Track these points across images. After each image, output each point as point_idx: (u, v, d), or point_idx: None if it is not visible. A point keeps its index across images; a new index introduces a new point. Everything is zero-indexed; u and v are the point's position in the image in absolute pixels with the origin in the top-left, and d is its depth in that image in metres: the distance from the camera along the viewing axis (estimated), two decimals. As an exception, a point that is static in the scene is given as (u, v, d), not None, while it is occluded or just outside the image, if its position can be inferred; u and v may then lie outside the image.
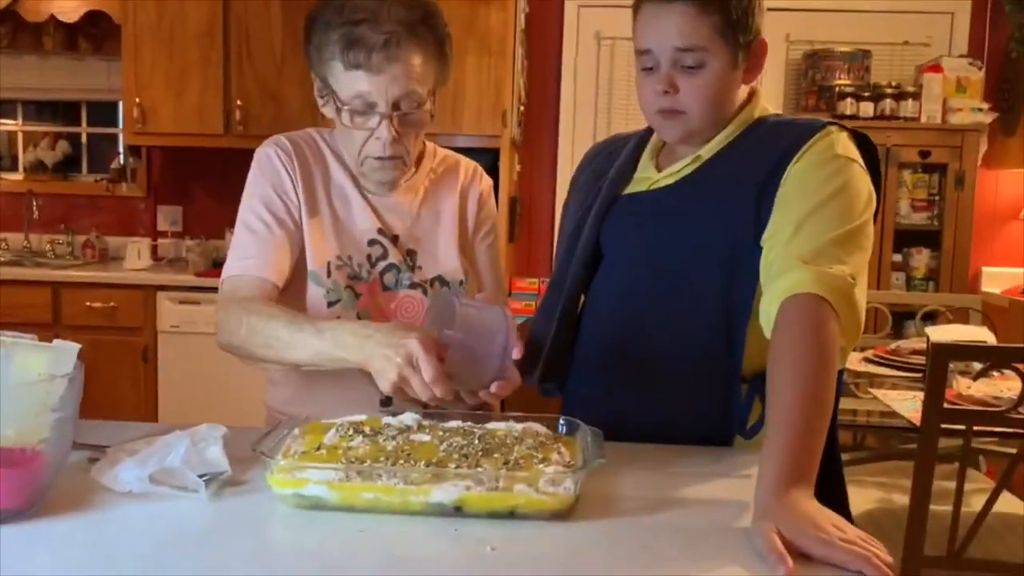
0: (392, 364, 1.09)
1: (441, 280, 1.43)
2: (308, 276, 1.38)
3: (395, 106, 1.30)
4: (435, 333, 1.15)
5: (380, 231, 1.42)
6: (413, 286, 1.41)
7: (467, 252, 1.49)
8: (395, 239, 1.43)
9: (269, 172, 1.40)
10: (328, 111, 1.37)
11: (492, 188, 1.58)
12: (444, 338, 1.13)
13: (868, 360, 2.51)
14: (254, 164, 1.42)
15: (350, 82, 1.29)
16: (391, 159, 1.35)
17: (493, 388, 1.14)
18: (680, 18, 1.21)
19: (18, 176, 4.40)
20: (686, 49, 1.22)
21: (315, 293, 1.38)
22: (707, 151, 1.30)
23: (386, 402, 1.33)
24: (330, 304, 1.37)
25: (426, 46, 1.30)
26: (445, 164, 1.52)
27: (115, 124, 4.37)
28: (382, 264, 1.41)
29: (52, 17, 4.02)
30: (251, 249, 1.36)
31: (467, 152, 1.57)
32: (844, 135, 1.25)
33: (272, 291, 1.34)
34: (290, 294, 1.39)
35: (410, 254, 1.43)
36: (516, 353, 1.14)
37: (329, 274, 1.38)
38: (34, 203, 4.14)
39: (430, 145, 1.53)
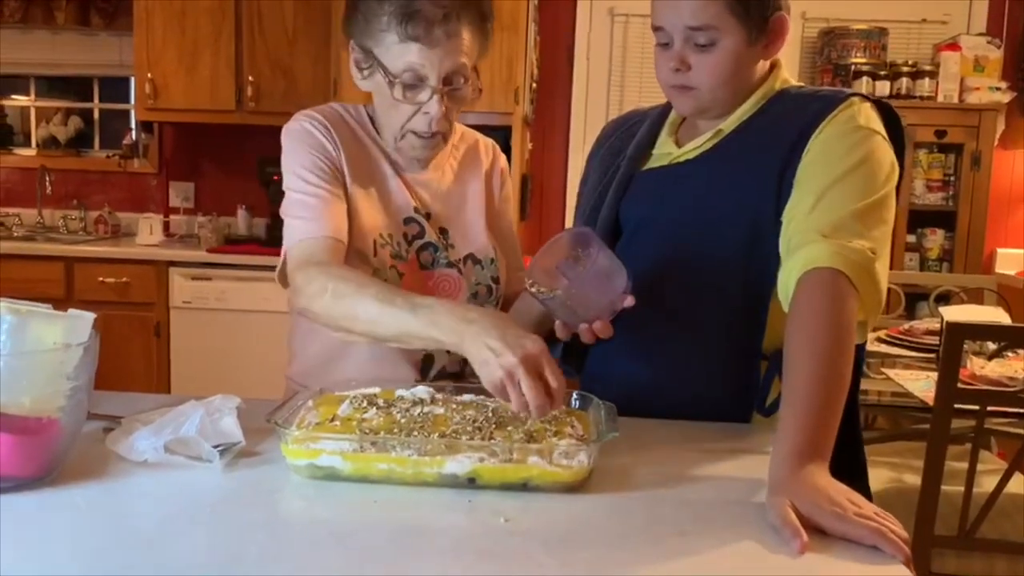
0: (501, 360, 1.01)
1: (473, 258, 1.42)
2: (353, 255, 1.34)
3: (446, 81, 1.29)
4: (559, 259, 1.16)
5: (416, 209, 1.40)
6: (449, 264, 1.40)
7: (494, 230, 1.49)
8: (428, 216, 1.41)
9: (309, 141, 1.35)
10: (367, 84, 1.35)
11: (507, 163, 1.58)
12: (564, 266, 1.15)
13: (881, 340, 2.50)
14: (289, 139, 1.37)
15: (402, 54, 1.27)
16: (433, 136, 1.34)
17: (597, 325, 1.14)
18: None
19: (31, 152, 4.40)
20: (697, 28, 1.21)
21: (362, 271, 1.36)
22: (728, 125, 1.29)
23: (422, 376, 1.35)
24: None
25: (475, 22, 1.29)
26: (466, 142, 1.52)
27: (127, 100, 4.36)
28: (419, 242, 1.39)
29: (64, -9, 4.02)
30: (311, 212, 1.31)
31: (479, 129, 1.57)
32: (867, 106, 1.24)
33: (342, 250, 1.29)
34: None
35: (442, 232, 1.42)
36: (629, 301, 1.14)
37: (375, 253, 1.35)
38: (47, 178, 4.14)
39: None
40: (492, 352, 1.02)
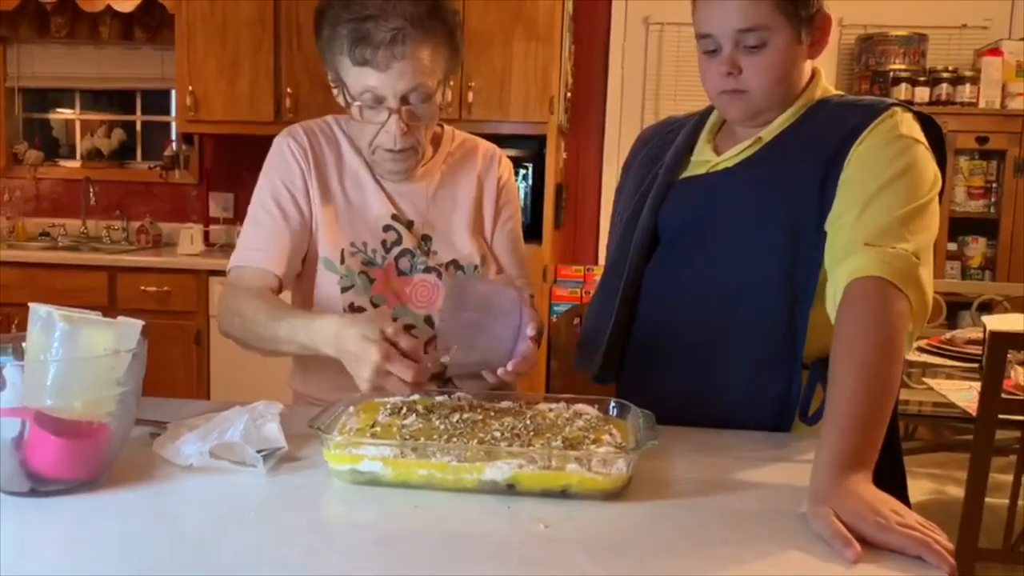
0: (366, 368, 1.10)
1: (456, 264, 1.44)
2: (321, 263, 1.40)
3: (404, 100, 1.31)
4: (447, 315, 1.18)
5: (394, 217, 1.43)
6: (428, 270, 1.42)
7: (484, 237, 1.49)
8: (410, 224, 1.43)
9: (280, 164, 1.44)
10: (341, 101, 1.38)
11: (512, 171, 1.57)
12: (463, 319, 1.15)
13: (922, 350, 2.46)
14: (269, 153, 1.46)
15: (358, 77, 1.30)
16: (401, 151, 1.36)
17: (509, 366, 1.15)
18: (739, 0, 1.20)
19: (75, 163, 4.50)
20: (747, 29, 1.21)
21: (329, 279, 1.40)
22: (768, 133, 1.28)
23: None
24: (344, 290, 1.39)
25: (435, 37, 1.29)
26: (463, 149, 1.52)
27: (168, 112, 4.45)
28: (397, 249, 1.42)
29: (108, 7, 4.10)
30: (256, 240, 1.40)
31: (513, 139, 1.57)
32: (908, 116, 1.23)
33: (274, 282, 1.38)
34: (302, 281, 1.43)
35: (425, 239, 1.44)
36: (531, 330, 1.15)
37: (343, 260, 1.40)
38: (91, 190, 4.24)
39: (448, 129, 1.52)
40: (357, 372, 1.12)
